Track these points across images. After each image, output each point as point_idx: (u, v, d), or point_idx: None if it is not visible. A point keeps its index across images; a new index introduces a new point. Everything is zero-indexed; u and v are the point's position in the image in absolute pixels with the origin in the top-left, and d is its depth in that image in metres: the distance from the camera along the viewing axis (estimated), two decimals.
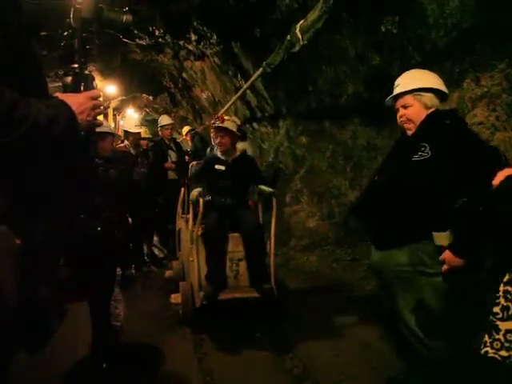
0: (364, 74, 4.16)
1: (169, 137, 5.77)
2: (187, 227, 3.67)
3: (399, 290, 1.89)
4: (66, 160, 1.23)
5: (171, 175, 5.56)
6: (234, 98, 6.39)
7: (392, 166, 1.98)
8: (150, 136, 6.32)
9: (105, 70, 9.42)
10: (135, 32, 6.80)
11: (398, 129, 4.32)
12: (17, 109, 0.97)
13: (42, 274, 1.15)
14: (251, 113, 6.92)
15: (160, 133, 5.86)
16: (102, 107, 1.27)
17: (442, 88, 1.89)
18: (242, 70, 6.17)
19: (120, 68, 9.31)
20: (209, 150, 6.51)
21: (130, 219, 3.38)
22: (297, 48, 3.83)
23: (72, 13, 1.26)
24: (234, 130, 3.53)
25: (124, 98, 13.20)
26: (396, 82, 2.01)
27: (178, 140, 6.90)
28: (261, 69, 4.56)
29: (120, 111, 15.84)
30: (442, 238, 1.71)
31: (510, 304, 1.33)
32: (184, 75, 8.57)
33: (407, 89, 1.92)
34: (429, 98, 1.88)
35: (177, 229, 4.58)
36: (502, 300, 1.35)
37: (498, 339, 1.34)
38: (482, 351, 1.36)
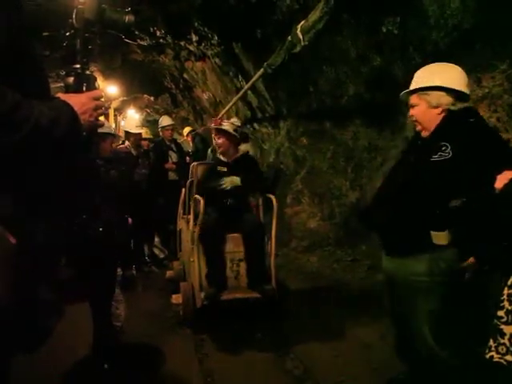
0: (365, 74, 4.16)
1: (169, 137, 5.77)
2: (188, 228, 3.68)
3: (415, 301, 1.79)
4: (67, 160, 1.23)
5: (172, 176, 5.56)
6: (234, 99, 6.40)
7: (407, 167, 1.85)
8: (151, 137, 6.31)
9: (106, 70, 9.44)
10: (136, 33, 6.81)
11: (398, 129, 4.34)
12: (19, 110, 0.97)
13: (42, 274, 1.15)
14: (252, 113, 6.93)
15: (161, 133, 5.86)
16: (103, 108, 1.27)
17: (455, 86, 1.75)
18: (243, 71, 6.18)
19: (121, 69, 9.32)
20: (209, 150, 6.53)
21: (130, 219, 3.38)
22: (298, 49, 3.84)
23: (74, 13, 1.27)
24: (231, 131, 3.54)
25: (125, 98, 13.21)
26: (414, 76, 1.89)
27: (178, 141, 6.91)
28: (262, 69, 4.56)
29: (121, 112, 15.86)
30: (440, 237, 1.64)
31: None
32: (185, 76, 8.58)
33: (412, 88, 1.84)
34: (435, 96, 1.76)
35: (177, 229, 4.58)
36: (506, 304, 1.30)
37: (504, 343, 1.29)
38: (487, 356, 1.31)
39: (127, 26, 1.33)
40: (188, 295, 3.34)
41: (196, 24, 5.77)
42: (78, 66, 1.27)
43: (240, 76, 6.38)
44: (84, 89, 1.26)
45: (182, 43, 6.76)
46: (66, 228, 1.49)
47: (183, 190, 4.41)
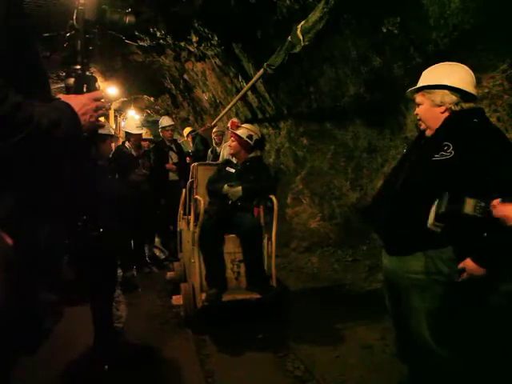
0: (365, 74, 4.16)
1: (170, 138, 5.78)
2: (188, 228, 3.68)
3: (412, 299, 1.79)
4: (68, 161, 1.23)
5: (172, 176, 5.57)
6: (235, 100, 6.40)
7: (409, 166, 1.84)
8: (152, 137, 6.31)
9: (106, 71, 9.45)
10: (137, 33, 6.82)
11: (398, 129, 4.34)
12: (20, 111, 0.97)
13: (42, 275, 1.15)
14: (252, 114, 6.93)
15: (161, 134, 5.87)
16: (104, 108, 1.27)
17: (460, 85, 1.72)
18: (243, 72, 6.18)
19: (121, 69, 9.33)
20: (210, 151, 6.53)
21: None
22: (298, 49, 3.83)
23: (75, 14, 1.27)
24: (243, 137, 3.58)
25: (125, 99, 13.23)
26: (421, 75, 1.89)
27: (179, 141, 6.91)
28: (262, 70, 4.56)
29: (121, 112, 15.88)
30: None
31: None
32: (185, 76, 8.59)
33: (417, 86, 1.83)
34: (439, 95, 1.75)
35: (178, 230, 4.58)
36: None
37: None
38: None
39: (128, 26, 1.33)
40: (189, 296, 3.34)
41: (196, 25, 5.77)
42: (78, 66, 1.27)
43: (240, 76, 6.38)
44: (84, 90, 1.26)
45: (182, 44, 6.77)
46: (67, 229, 1.49)
47: (183, 190, 4.41)
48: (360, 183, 5.03)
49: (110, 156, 4.23)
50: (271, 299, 3.20)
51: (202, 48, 6.44)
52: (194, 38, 6.22)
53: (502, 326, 1.76)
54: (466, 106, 1.75)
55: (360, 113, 4.61)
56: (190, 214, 3.79)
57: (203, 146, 7.30)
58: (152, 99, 12.42)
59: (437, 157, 1.68)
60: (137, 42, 7.22)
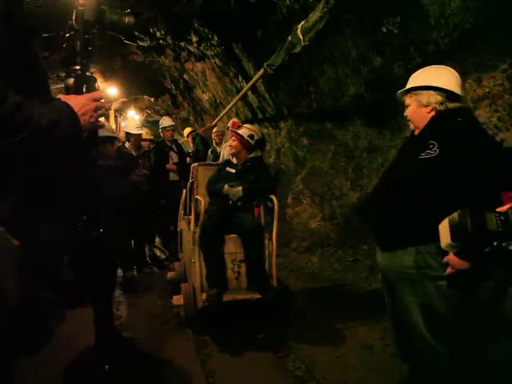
0: (365, 74, 4.16)
1: (170, 138, 5.78)
2: (189, 228, 3.68)
3: (404, 293, 1.83)
4: (68, 161, 1.23)
5: (172, 176, 5.57)
6: (235, 100, 6.40)
7: (399, 164, 1.92)
8: (152, 137, 6.31)
9: (106, 71, 9.45)
10: (136, 34, 6.82)
11: (398, 129, 4.34)
12: (20, 111, 0.97)
13: (44, 276, 1.15)
14: (252, 114, 6.93)
15: (161, 134, 5.87)
16: (103, 109, 1.27)
17: (445, 86, 1.80)
18: (243, 72, 6.18)
19: (121, 70, 9.33)
20: (210, 151, 6.53)
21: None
22: (298, 49, 3.83)
23: (74, 14, 1.27)
24: (245, 136, 3.58)
25: (125, 99, 13.23)
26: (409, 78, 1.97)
27: (179, 141, 6.91)
28: (262, 70, 4.56)
29: (121, 113, 15.88)
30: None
31: None
32: (185, 77, 8.59)
33: (405, 88, 1.90)
34: (425, 95, 1.82)
35: (178, 230, 4.58)
36: None
37: None
38: None
39: (127, 27, 1.33)
40: (189, 296, 3.34)
41: (196, 25, 5.77)
42: (77, 67, 1.27)
43: (240, 76, 6.38)
44: (84, 90, 1.26)
45: (182, 44, 6.77)
46: (67, 229, 1.49)
47: (184, 190, 4.41)
48: (360, 183, 5.03)
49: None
50: (272, 299, 3.20)
51: (201, 48, 6.44)
52: (194, 38, 6.22)
53: (489, 320, 1.78)
54: (451, 105, 1.81)
55: (360, 113, 4.60)
56: (190, 214, 3.79)
57: (203, 146, 7.30)
58: (152, 99, 12.43)
59: (423, 155, 1.74)
60: (136, 43, 7.22)
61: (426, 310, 1.77)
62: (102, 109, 1.25)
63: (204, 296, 3.13)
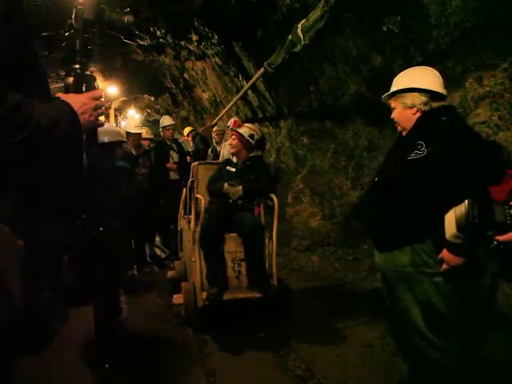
0: (366, 73, 4.15)
1: (170, 137, 5.78)
2: (189, 227, 3.68)
3: (402, 292, 1.86)
4: (68, 160, 1.23)
5: (173, 176, 5.57)
6: (235, 99, 6.40)
7: (389, 166, 1.97)
8: (152, 136, 6.32)
9: (106, 70, 9.44)
10: (136, 32, 6.81)
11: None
12: (19, 110, 0.97)
13: (45, 275, 1.15)
14: (253, 113, 6.92)
15: (162, 133, 5.87)
16: (103, 107, 1.27)
17: (428, 87, 1.85)
18: (244, 71, 6.17)
19: (121, 69, 9.33)
20: (210, 150, 6.53)
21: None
22: (298, 48, 3.83)
23: (73, 13, 1.26)
24: (245, 135, 3.58)
25: (125, 98, 13.23)
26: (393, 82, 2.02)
27: (179, 140, 6.91)
28: (262, 69, 4.56)
29: (121, 112, 15.88)
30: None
31: None
32: (185, 75, 8.58)
33: (389, 92, 1.96)
34: (410, 97, 1.87)
35: (179, 229, 4.58)
36: None
37: None
38: None
39: (126, 26, 1.33)
40: (189, 295, 3.34)
41: (196, 23, 5.76)
42: (77, 66, 1.27)
43: (240, 75, 6.37)
44: (84, 89, 1.26)
45: (183, 43, 6.76)
46: (67, 228, 1.49)
47: (184, 189, 4.41)
48: (360, 182, 5.03)
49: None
50: (272, 298, 3.20)
51: (202, 47, 6.43)
52: (194, 37, 6.21)
53: (486, 315, 1.80)
54: (435, 105, 1.86)
55: (360, 112, 4.60)
56: (190, 213, 3.78)
57: (203, 145, 7.30)
58: (152, 98, 12.42)
59: (412, 156, 1.78)
60: (136, 42, 7.22)
61: (424, 308, 1.79)
62: (101, 108, 1.25)
63: (204, 295, 3.13)
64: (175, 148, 5.75)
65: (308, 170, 5.88)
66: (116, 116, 15.58)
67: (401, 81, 1.94)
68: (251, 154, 3.66)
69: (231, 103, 6.66)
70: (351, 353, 2.79)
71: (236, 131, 3.67)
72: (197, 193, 3.80)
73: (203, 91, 8.52)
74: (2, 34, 0.99)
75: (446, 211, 1.60)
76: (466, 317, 1.77)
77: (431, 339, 1.77)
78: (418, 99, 1.86)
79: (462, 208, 1.50)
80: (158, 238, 6.00)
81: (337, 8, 3.43)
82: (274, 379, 2.56)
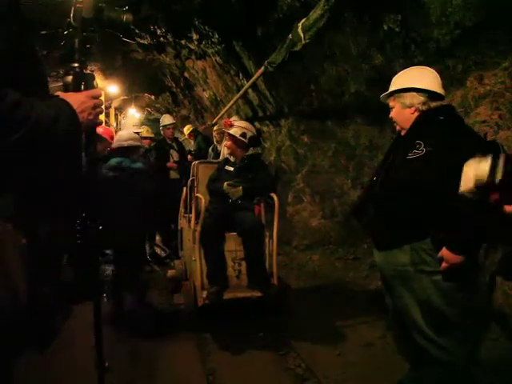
0: (366, 72, 4.14)
1: (171, 136, 5.77)
2: (189, 226, 3.68)
3: (402, 291, 1.86)
4: (67, 159, 1.22)
5: (173, 175, 5.56)
6: (235, 98, 6.39)
7: (387, 165, 1.97)
8: (152, 135, 6.32)
9: (106, 69, 9.44)
10: (137, 31, 6.81)
11: None
12: (19, 109, 0.96)
13: (46, 274, 1.16)
14: (253, 112, 6.91)
15: (162, 132, 5.86)
16: (102, 106, 1.27)
17: (426, 86, 1.85)
18: (244, 69, 6.16)
19: (122, 67, 9.33)
20: (211, 149, 6.52)
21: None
22: (299, 47, 3.82)
23: (72, 12, 1.26)
24: (237, 136, 3.58)
25: (126, 97, 13.23)
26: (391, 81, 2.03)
27: (180, 139, 6.90)
28: (262, 68, 4.55)
29: (122, 111, 15.88)
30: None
31: None
32: (186, 74, 8.57)
33: (388, 92, 1.96)
34: (408, 97, 1.88)
35: (179, 228, 4.58)
36: None
37: None
38: None
39: (125, 24, 1.32)
40: (190, 294, 3.34)
41: (196, 22, 5.76)
42: (76, 64, 1.27)
43: (241, 74, 6.37)
44: (83, 87, 1.26)
45: (183, 42, 6.75)
46: (67, 227, 1.49)
47: (184, 188, 4.41)
48: (361, 181, 5.02)
49: None
50: (272, 297, 3.20)
51: (202, 46, 6.43)
52: (195, 36, 6.21)
53: (486, 312, 1.80)
54: (433, 104, 1.87)
55: (361, 111, 4.59)
56: (190, 213, 3.79)
57: (205, 145, 7.29)
58: (152, 97, 12.42)
59: (410, 155, 1.78)
60: (135, 40, 7.21)
61: (424, 306, 1.79)
62: (100, 106, 1.24)
63: (204, 294, 3.14)
64: (175, 147, 5.74)
65: (308, 169, 5.88)
66: (116, 115, 15.58)
67: (399, 80, 1.95)
68: (248, 153, 3.65)
69: (231, 102, 6.65)
70: (351, 352, 2.79)
71: (227, 132, 3.67)
72: (197, 192, 3.80)
73: (203, 90, 8.52)
74: (2, 34, 0.98)
75: (445, 211, 1.60)
76: (465, 315, 1.77)
77: (431, 337, 1.78)
78: (417, 99, 1.87)
79: (483, 164, 1.39)
80: (158, 237, 5.99)
81: (337, 7, 3.41)
82: (274, 378, 2.56)
